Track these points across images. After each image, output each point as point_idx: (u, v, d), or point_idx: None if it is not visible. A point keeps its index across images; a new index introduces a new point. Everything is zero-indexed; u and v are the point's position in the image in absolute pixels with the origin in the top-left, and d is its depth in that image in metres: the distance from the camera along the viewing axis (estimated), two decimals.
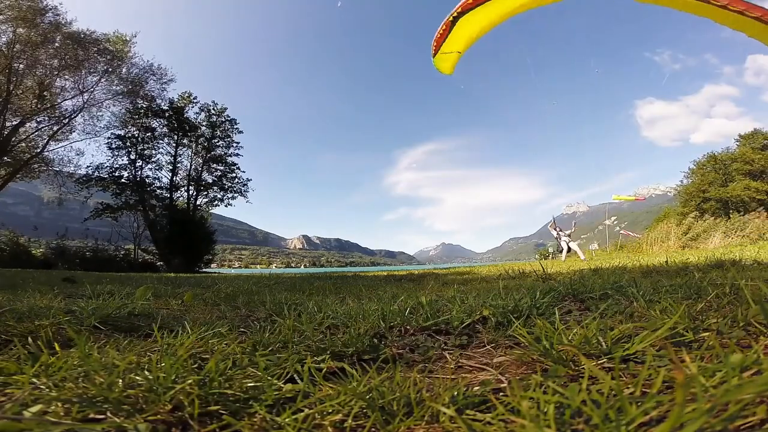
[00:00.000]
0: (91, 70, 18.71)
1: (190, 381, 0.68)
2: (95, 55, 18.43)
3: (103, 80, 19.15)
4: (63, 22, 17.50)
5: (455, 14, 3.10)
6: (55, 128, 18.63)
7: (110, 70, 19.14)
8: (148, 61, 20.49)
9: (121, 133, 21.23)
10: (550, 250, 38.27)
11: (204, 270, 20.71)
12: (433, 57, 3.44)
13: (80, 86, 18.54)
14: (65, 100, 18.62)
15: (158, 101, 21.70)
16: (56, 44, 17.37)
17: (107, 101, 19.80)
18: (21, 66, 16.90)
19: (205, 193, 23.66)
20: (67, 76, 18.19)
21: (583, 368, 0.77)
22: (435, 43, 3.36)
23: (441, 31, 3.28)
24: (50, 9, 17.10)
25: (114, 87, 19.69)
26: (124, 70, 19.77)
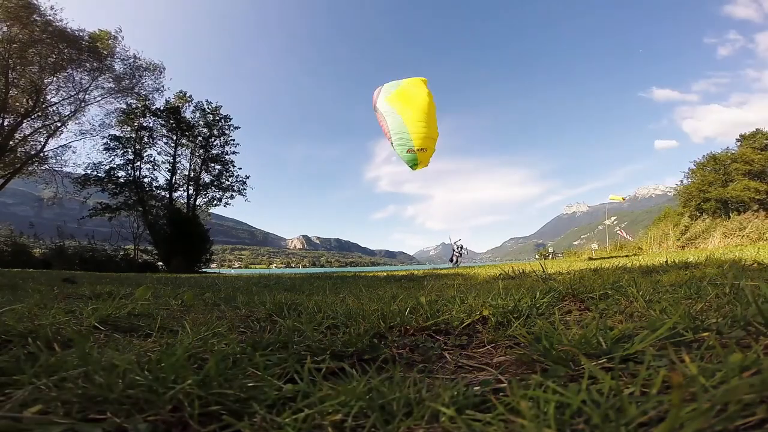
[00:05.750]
0: (86, 69, 18.71)
1: (190, 381, 0.68)
2: (87, 53, 18.40)
3: (98, 79, 19.16)
4: (53, 20, 17.45)
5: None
6: (51, 128, 18.65)
7: (104, 68, 19.12)
8: (144, 59, 20.51)
9: (118, 133, 21.24)
10: (551, 250, 38.34)
11: (204, 270, 20.70)
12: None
13: (75, 85, 18.57)
14: (63, 99, 18.64)
15: (154, 99, 21.73)
16: (49, 43, 17.33)
17: (103, 100, 19.83)
18: (17, 66, 16.91)
19: (204, 193, 23.64)
20: (61, 75, 18.19)
21: (583, 368, 0.77)
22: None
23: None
24: (43, 7, 17.09)
25: (109, 85, 19.71)
26: (119, 68, 19.77)
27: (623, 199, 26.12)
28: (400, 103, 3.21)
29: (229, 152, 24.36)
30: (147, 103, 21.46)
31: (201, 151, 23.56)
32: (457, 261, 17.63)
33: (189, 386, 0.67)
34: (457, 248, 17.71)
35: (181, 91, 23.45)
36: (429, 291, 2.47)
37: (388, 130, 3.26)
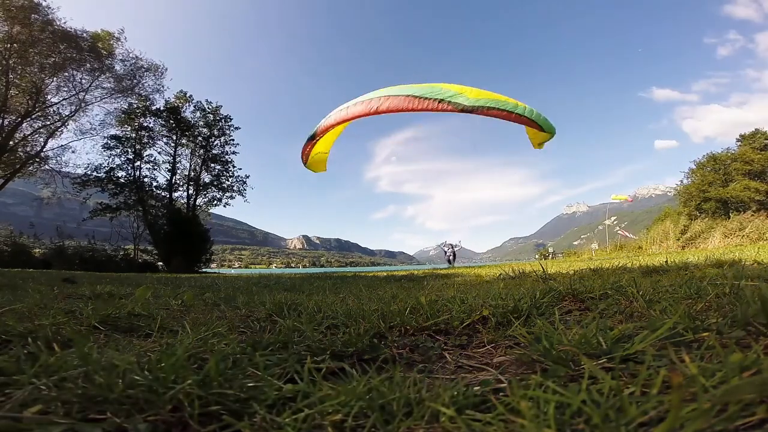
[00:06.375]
0: (86, 69, 18.71)
1: (190, 381, 0.68)
2: (88, 53, 18.40)
3: (99, 78, 19.17)
4: (52, 20, 17.44)
5: (316, 138, 3.42)
6: (51, 128, 18.66)
7: (104, 68, 19.13)
8: (146, 60, 20.53)
9: (118, 132, 21.25)
10: (551, 250, 38.38)
11: (204, 270, 20.70)
12: (305, 165, 3.73)
13: (75, 85, 18.57)
14: (63, 99, 18.64)
15: (155, 100, 21.75)
16: (49, 43, 17.32)
17: (104, 100, 19.84)
18: (17, 66, 16.91)
19: (204, 193, 23.64)
20: (61, 75, 18.19)
21: (583, 368, 0.77)
22: (303, 158, 3.68)
23: (306, 150, 3.57)
24: (44, 7, 17.08)
25: (110, 85, 19.72)
26: (119, 68, 19.78)
27: (628, 199, 26.00)
28: (462, 90, 2.81)
29: (229, 152, 24.38)
30: (147, 103, 21.48)
31: (201, 151, 23.55)
32: (451, 261, 18.12)
33: (189, 386, 0.67)
34: (448, 248, 18.26)
35: (181, 91, 23.46)
36: (429, 291, 2.47)
37: (511, 110, 2.70)
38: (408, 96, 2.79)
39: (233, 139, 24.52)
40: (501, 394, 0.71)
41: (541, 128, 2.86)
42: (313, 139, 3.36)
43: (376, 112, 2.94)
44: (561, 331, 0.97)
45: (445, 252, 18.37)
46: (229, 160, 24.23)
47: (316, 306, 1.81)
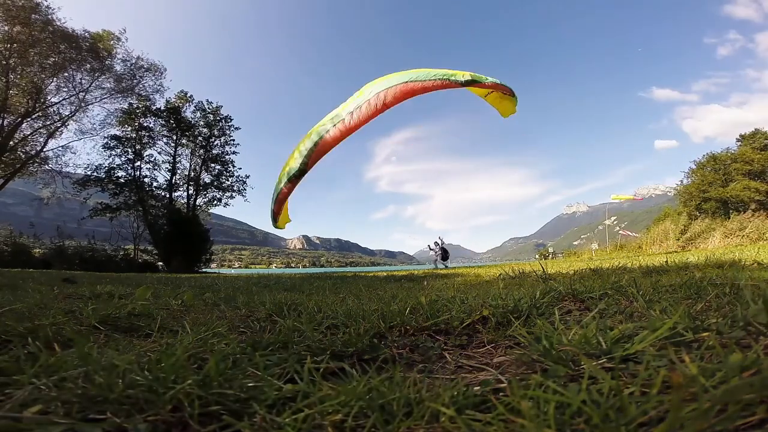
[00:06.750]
0: (86, 69, 18.73)
1: (190, 381, 0.68)
2: (88, 53, 18.41)
3: (99, 79, 19.20)
4: (52, 20, 17.46)
5: (306, 172, 2.86)
6: (51, 128, 18.68)
7: (104, 68, 19.16)
8: (146, 60, 20.56)
9: (119, 132, 21.27)
10: (551, 250, 38.37)
11: (204, 270, 20.71)
12: (276, 223, 3.35)
13: (75, 85, 18.59)
14: (63, 99, 18.66)
15: (155, 100, 21.78)
16: (49, 43, 17.33)
17: (104, 100, 19.88)
18: (18, 66, 16.94)
19: (204, 193, 23.64)
20: (62, 75, 18.20)
21: (583, 368, 0.77)
22: (278, 211, 3.25)
23: (283, 198, 3.09)
24: (44, 7, 17.10)
25: (110, 85, 19.76)
26: (119, 68, 19.81)
27: (635, 198, 25.96)
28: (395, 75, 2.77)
29: (229, 152, 24.40)
30: (147, 103, 21.51)
31: (201, 151, 23.57)
32: (439, 258, 17.65)
33: (189, 386, 0.67)
34: (435, 246, 17.75)
35: (181, 91, 23.49)
36: (429, 291, 2.47)
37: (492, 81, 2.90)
38: (408, 82, 2.68)
39: (233, 139, 24.55)
40: (501, 394, 0.71)
41: (512, 93, 3.01)
42: (301, 174, 2.58)
43: (384, 107, 2.70)
44: (561, 331, 0.97)
45: (435, 253, 17.75)
46: (230, 160, 24.24)
47: (316, 306, 1.81)
